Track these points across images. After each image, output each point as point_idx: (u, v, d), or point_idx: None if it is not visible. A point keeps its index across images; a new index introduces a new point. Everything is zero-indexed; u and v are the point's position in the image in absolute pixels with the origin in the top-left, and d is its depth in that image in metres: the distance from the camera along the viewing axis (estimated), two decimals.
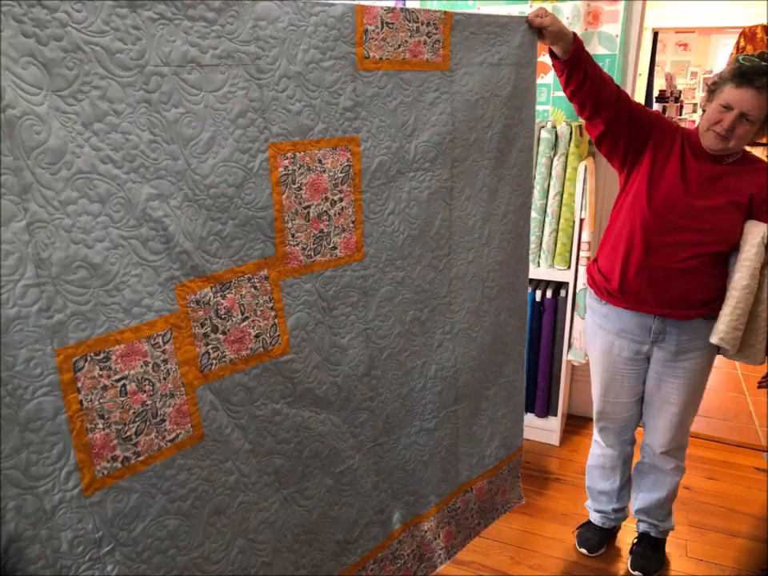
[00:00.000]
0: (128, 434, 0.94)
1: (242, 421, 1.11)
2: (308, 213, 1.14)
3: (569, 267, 2.34)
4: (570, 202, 2.28)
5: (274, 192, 1.08)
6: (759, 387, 1.68)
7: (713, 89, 1.50)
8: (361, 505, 1.38)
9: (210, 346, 1.04)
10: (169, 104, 0.92)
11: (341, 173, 1.18)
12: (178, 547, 1.02)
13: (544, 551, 2.03)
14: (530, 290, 2.43)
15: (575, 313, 2.36)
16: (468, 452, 1.62)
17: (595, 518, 2.05)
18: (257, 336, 1.11)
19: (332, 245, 1.20)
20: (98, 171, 0.86)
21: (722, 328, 1.53)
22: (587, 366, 2.12)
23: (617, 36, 2.27)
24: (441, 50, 1.28)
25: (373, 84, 1.18)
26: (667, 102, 6.51)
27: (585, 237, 2.28)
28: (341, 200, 1.19)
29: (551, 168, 2.29)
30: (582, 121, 2.07)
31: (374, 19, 1.15)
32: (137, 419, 0.95)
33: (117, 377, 0.91)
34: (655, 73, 6.24)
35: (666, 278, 1.57)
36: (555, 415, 2.58)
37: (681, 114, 6.98)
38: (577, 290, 2.34)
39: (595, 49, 2.30)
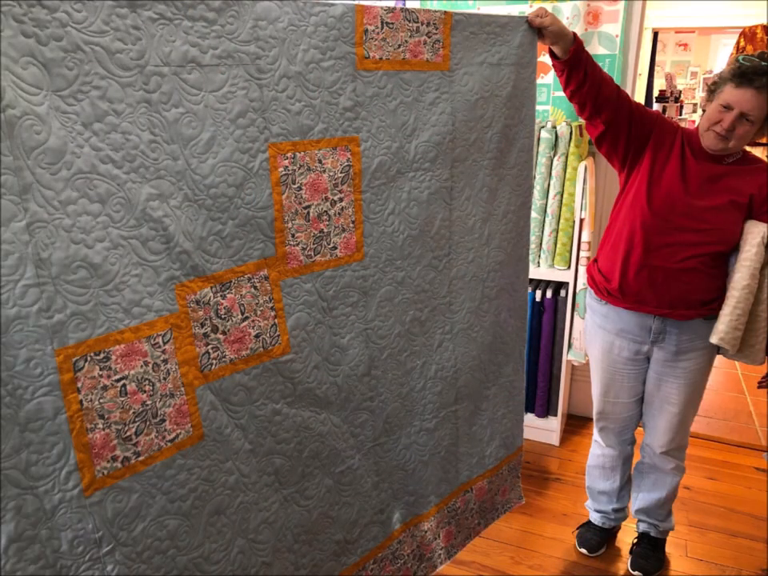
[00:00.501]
0: (128, 434, 0.94)
1: (242, 421, 1.11)
2: (308, 213, 1.14)
3: (569, 267, 2.34)
4: (570, 202, 2.28)
5: (274, 192, 1.08)
6: (759, 387, 1.68)
7: (713, 89, 1.50)
8: (361, 505, 1.38)
9: (210, 346, 1.04)
10: (169, 104, 0.92)
11: (341, 173, 1.18)
12: (177, 547, 1.03)
13: (544, 551, 2.03)
14: (530, 289, 2.43)
15: (575, 313, 2.36)
16: (468, 452, 1.62)
17: (595, 518, 2.05)
18: (257, 336, 1.11)
19: (332, 245, 1.20)
20: (98, 171, 0.86)
21: (722, 328, 1.53)
22: (587, 365, 2.12)
23: (617, 36, 2.27)
24: (441, 50, 1.28)
25: (373, 84, 1.18)
26: (667, 102, 6.51)
27: (585, 237, 2.28)
28: (341, 200, 1.19)
29: (551, 168, 2.29)
30: (582, 121, 2.07)
31: (374, 19, 1.15)
32: (137, 419, 0.95)
33: (117, 377, 0.91)
34: (655, 73, 6.24)
35: (666, 278, 1.57)
36: (555, 415, 2.58)
37: (681, 114, 6.98)
38: (577, 290, 2.34)
39: (595, 49, 2.30)
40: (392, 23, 1.18)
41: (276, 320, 1.13)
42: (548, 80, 2.40)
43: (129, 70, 0.87)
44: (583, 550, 2.01)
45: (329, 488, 1.30)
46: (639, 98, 5.17)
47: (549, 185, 2.31)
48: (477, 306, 1.52)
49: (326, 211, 1.17)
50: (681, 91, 7.17)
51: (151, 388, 0.96)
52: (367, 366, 1.32)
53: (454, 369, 1.51)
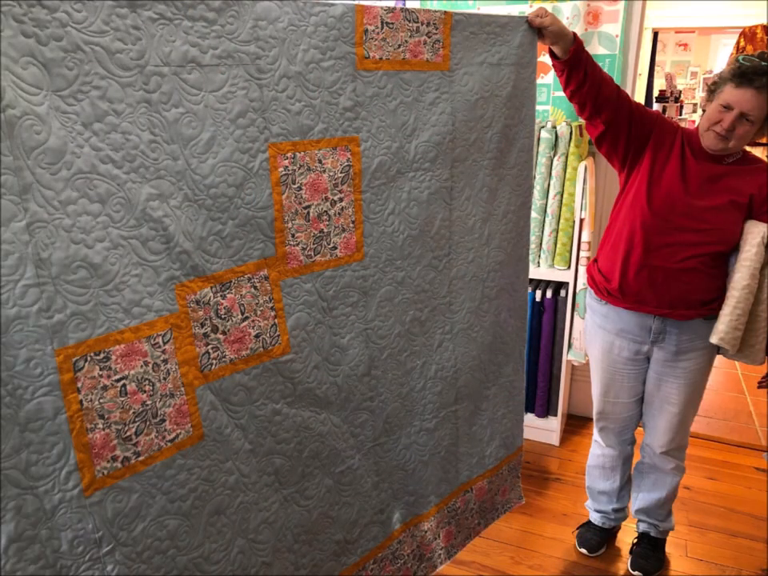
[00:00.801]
0: (128, 434, 0.94)
1: (242, 421, 1.11)
2: (308, 213, 1.14)
3: (569, 267, 2.34)
4: (570, 202, 2.28)
5: (274, 192, 1.08)
6: (759, 387, 1.68)
7: (713, 89, 1.50)
8: (361, 505, 1.38)
9: (210, 346, 1.04)
10: (169, 104, 0.92)
11: (341, 173, 1.18)
12: (177, 547, 1.03)
13: (544, 551, 2.03)
14: (530, 290, 2.43)
15: (575, 313, 2.36)
16: (468, 452, 1.62)
17: (595, 518, 2.05)
18: (257, 336, 1.11)
19: (332, 245, 1.20)
20: (98, 171, 0.86)
21: (722, 328, 1.53)
22: (587, 365, 2.12)
23: (617, 36, 2.27)
24: (441, 50, 1.28)
25: (373, 84, 1.18)
26: (667, 102, 6.51)
27: (585, 237, 2.28)
28: (341, 200, 1.19)
29: (551, 168, 2.29)
30: (582, 121, 2.07)
31: (374, 19, 1.15)
32: (137, 419, 0.95)
33: (117, 377, 0.91)
34: (655, 73, 6.24)
35: (666, 278, 1.57)
36: (555, 415, 2.58)
37: (681, 114, 6.98)
38: (577, 290, 2.34)
39: (595, 49, 2.30)
40: (392, 23, 1.18)
41: (276, 320, 1.13)
42: (548, 80, 2.40)
43: (129, 70, 0.87)
44: (583, 550, 2.01)
45: (329, 488, 1.30)
46: (639, 98, 5.17)
47: (549, 185, 2.31)
48: (477, 305, 1.52)
49: (326, 211, 1.17)
50: (681, 91, 7.17)
51: (151, 388, 0.96)
52: (367, 366, 1.32)
53: (454, 369, 1.51)
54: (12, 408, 0.82)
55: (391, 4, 1.83)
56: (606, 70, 1.96)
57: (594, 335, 1.80)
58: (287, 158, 1.08)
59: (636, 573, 1.91)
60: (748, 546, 2.05)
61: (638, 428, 1.90)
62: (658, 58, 6.47)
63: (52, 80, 0.80)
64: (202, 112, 0.96)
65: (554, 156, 2.28)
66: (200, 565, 1.07)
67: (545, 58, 1.89)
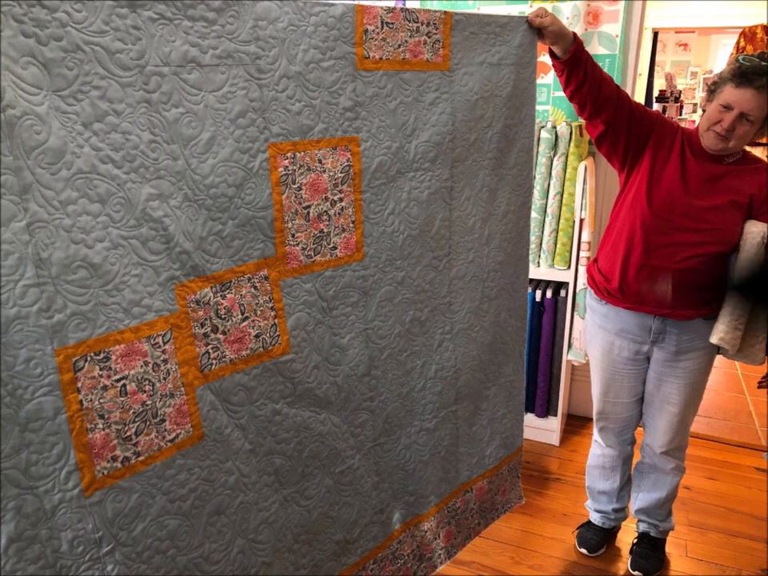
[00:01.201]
0: (128, 434, 0.94)
1: (242, 421, 1.11)
2: (308, 213, 1.14)
3: (569, 267, 2.34)
4: (570, 202, 2.28)
5: (274, 192, 1.08)
6: (759, 387, 1.68)
7: (713, 89, 1.50)
8: (361, 505, 1.38)
9: (210, 346, 1.04)
10: (169, 104, 0.92)
11: (341, 173, 1.18)
12: (177, 547, 1.03)
13: (544, 551, 2.03)
14: (530, 290, 2.43)
15: (575, 313, 2.36)
16: (468, 452, 1.62)
17: (595, 518, 2.05)
18: (257, 336, 1.11)
19: (332, 245, 1.20)
20: (98, 171, 0.86)
21: (722, 328, 1.53)
22: (587, 365, 2.12)
23: (617, 36, 2.27)
24: (441, 50, 1.28)
25: (373, 84, 1.18)
26: (667, 101, 6.51)
27: (585, 237, 2.28)
28: (341, 200, 1.19)
29: (551, 168, 2.29)
30: (582, 121, 2.07)
31: (374, 19, 1.15)
32: (137, 419, 0.95)
33: (117, 377, 0.91)
34: (655, 73, 6.24)
35: (666, 278, 1.57)
36: (555, 415, 2.58)
37: (681, 114, 6.97)
38: (577, 290, 2.34)
39: (595, 49, 2.30)
40: (392, 23, 1.18)
41: (276, 320, 1.13)
42: (548, 80, 2.40)
43: (129, 70, 0.87)
44: (583, 550, 2.01)
45: (329, 488, 1.30)
46: (639, 98, 5.17)
47: (549, 185, 2.31)
48: (477, 306, 1.52)
49: (326, 211, 1.17)
50: (681, 91, 7.16)
51: (151, 388, 0.96)
52: (367, 366, 1.32)
53: (453, 369, 1.51)
54: (12, 408, 0.82)
55: (391, 4, 1.83)
56: (606, 69, 1.96)
57: (593, 335, 1.80)
58: (287, 158, 1.08)
59: (636, 573, 1.91)
60: (748, 545, 2.05)
61: (638, 428, 1.90)
62: (657, 57, 6.47)
63: (52, 80, 0.80)
64: (201, 112, 0.96)
65: (554, 156, 2.28)
66: (200, 565, 1.07)
67: (545, 58, 1.89)
